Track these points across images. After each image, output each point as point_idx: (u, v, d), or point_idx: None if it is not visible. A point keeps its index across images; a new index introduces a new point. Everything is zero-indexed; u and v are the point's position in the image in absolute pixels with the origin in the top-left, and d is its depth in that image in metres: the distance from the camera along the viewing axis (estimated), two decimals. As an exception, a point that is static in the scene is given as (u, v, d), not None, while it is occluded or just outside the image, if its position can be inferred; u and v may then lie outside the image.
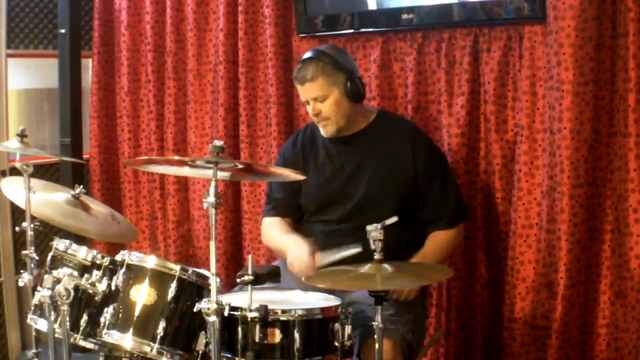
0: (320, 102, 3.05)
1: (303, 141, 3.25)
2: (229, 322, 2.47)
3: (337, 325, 2.55)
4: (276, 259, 3.31)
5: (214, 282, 2.38)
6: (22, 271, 3.06)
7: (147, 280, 2.67)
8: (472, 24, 3.32)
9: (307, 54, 3.14)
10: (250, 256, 2.55)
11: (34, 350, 3.11)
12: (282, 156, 3.32)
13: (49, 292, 2.57)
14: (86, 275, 2.72)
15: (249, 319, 2.46)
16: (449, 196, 3.11)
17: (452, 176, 3.19)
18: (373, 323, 2.45)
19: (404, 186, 3.08)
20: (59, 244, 2.83)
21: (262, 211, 3.43)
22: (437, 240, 3.10)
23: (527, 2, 3.13)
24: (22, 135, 3.05)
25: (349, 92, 3.05)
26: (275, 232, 3.22)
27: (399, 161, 3.09)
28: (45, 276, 2.62)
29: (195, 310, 2.53)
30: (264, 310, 2.45)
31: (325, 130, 3.11)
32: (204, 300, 2.42)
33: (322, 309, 2.56)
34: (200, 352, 2.62)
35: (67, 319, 2.58)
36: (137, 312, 2.65)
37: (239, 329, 2.47)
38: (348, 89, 3.05)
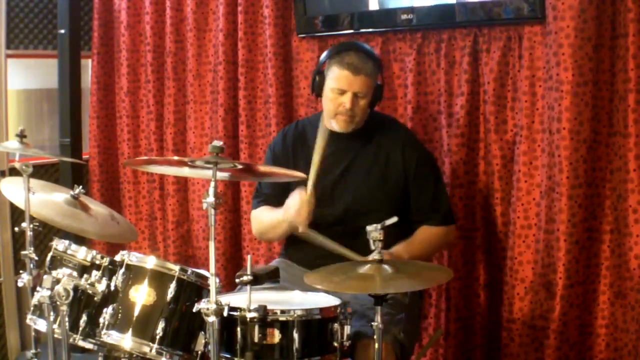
0: (359, 98, 3.02)
1: (294, 138, 3.21)
2: (228, 322, 2.47)
3: (336, 326, 2.54)
4: (275, 259, 3.31)
5: (213, 283, 2.38)
6: (21, 271, 3.06)
7: (146, 281, 2.66)
8: (471, 24, 3.32)
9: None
10: (249, 256, 2.54)
11: (33, 351, 3.10)
12: (271, 150, 3.28)
13: (49, 293, 2.57)
14: (85, 276, 2.72)
15: (248, 320, 2.45)
16: (441, 199, 3.11)
17: (443, 182, 3.19)
18: (373, 323, 2.43)
19: (393, 191, 3.06)
20: (59, 245, 2.83)
21: (251, 206, 3.32)
22: (427, 234, 3.07)
23: (526, 3, 3.13)
24: (21, 136, 3.05)
25: (375, 100, 3.08)
26: (266, 212, 3.17)
27: (390, 166, 3.08)
28: (45, 276, 2.61)
29: (194, 310, 2.52)
30: (263, 310, 2.45)
31: (344, 125, 3.05)
32: (203, 300, 2.42)
33: (321, 309, 2.55)
34: (200, 352, 2.62)
35: (67, 319, 2.58)
36: (136, 313, 2.65)
37: (238, 329, 2.47)
38: (377, 97, 3.09)
